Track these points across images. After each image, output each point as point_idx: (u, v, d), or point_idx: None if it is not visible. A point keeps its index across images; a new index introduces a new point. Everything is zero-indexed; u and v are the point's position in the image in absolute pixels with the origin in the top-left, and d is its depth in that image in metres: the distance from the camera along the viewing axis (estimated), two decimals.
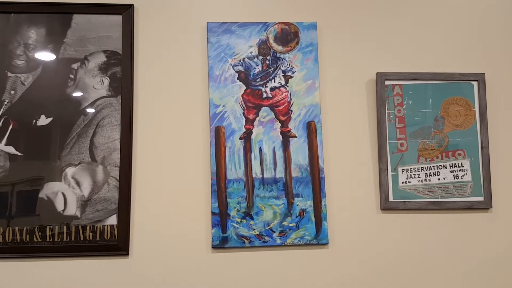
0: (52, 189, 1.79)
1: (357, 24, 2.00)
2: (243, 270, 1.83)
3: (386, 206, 1.88)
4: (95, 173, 1.81)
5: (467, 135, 1.94)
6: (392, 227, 1.89)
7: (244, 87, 1.91)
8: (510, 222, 1.93)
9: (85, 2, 1.90)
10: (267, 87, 1.92)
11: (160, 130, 1.88)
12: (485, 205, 1.90)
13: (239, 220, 1.83)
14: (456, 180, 1.91)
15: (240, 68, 1.92)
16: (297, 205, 1.85)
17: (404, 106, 1.94)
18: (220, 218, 1.82)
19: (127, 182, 1.81)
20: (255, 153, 1.88)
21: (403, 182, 1.90)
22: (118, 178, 1.81)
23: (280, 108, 1.91)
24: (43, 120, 1.83)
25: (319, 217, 1.85)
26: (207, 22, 1.93)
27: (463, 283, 1.88)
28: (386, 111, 1.93)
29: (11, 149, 1.81)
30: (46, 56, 1.88)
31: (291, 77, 1.93)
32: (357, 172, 1.91)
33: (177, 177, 1.85)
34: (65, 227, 1.78)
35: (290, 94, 1.92)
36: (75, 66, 1.87)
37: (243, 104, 1.90)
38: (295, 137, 1.89)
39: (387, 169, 1.90)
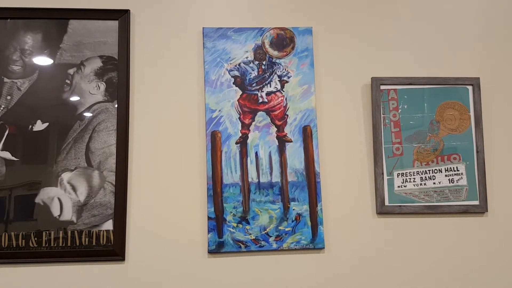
0: (48, 194, 1.79)
1: (352, 29, 2.01)
2: (239, 275, 1.83)
3: (382, 210, 1.89)
4: (91, 178, 1.82)
5: (462, 139, 1.95)
6: (388, 231, 1.90)
7: (240, 92, 1.91)
8: (506, 226, 1.93)
9: (81, 7, 1.91)
10: (263, 92, 1.92)
11: (156, 135, 1.88)
12: (481, 209, 1.91)
13: (235, 224, 1.83)
14: (451, 184, 1.92)
15: (236, 73, 1.92)
16: (293, 209, 1.86)
17: (400, 111, 1.95)
18: (216, 222, 1.82)
19: (123, 187, 1.81)
20: (251, 158, 1.88)
21: (398, 186, 1.91)
22: (114, 183, 1.81)
23: (276, 112, 1.92)
24: (39, 125, 1.83)
25: (315, 222, 1.85)
26: (203, 27, 1.94)
27: (458, 286, 1.88)
28: (382, 115, 1.94)
29: (7, 155, 1.81)
30: (42, 61, 1.88)
31: (286, 82, 1.93)
32: (352, 176, 1.92)
33: (173, 182, 1.85)
34: (61, 232, 1.78)
35: (286, 99, 1.92)
36: (71, 71, 1.88)
37: (239, 109, 1.90)
38: (291, 141, 1.90)
39: (383, 173, 1.91)
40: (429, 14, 2.05)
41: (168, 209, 1.84)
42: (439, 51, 2.02)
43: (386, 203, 1.90)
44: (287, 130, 1.90)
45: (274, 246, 1.83)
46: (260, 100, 1.92)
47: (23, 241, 1.77)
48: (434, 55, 2.02)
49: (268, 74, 1.93)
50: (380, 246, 1.89)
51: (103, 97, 1.87)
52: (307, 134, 1.90)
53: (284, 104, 1.92)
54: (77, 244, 1.78)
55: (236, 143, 1.88)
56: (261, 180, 1.87)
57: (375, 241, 1.89)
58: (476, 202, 1.91)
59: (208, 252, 1.81)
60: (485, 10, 2.07)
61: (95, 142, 1.84)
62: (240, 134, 1.89)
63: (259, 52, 1.94)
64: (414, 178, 1.92)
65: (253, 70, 1.93)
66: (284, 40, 1.96)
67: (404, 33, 2.02)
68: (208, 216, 1.83)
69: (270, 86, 1.93)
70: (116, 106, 1.86)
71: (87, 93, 1.87)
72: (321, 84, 1.96)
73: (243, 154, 1.88)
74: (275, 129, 1.90)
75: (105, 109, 1.86)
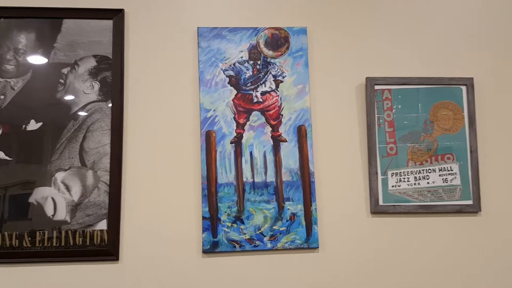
0: (41, 194, 1.79)
1: (347, 29, 2.01)
2: (234, 275, 1.83)
3: (376, 210, 1.89)
4: (85, 178, 1.81)
5: (456, 139, 1.96)
6: (382, 231, 1.90)
7: (234, 92, 1.91)
8: (499, 226, 1.94)
9: (75, 7, 1.90)
10: (257, 91, 1.92)
11: (151, 135, 1.88)
12: (474, 209, 1.92)
13: (229, 224, 1.83)
14: (445, 183, 1.93)
15: (231, 73, 1.92)
16: (288, 209, 1.86)
17: (394, 111, 1.95)
18: (211, 222, 1.82)
19: (117, 187, 1.80)
20: (245, 158, 1.88)
21: (392, 186, 1.92)
22: (108, 183, 1.81)
23: (271, 112, 1.92)
24: (33, 125, 1.83)
25: (310, 221, 1.85)
26: (197, 27, 1.94)
27: (452, 286, 1.89)
28: (376, 115, 1.94)
29: (1, 154, 1.80)
30: (36, 60, 1.87)
31: (281, 81, 1.93)
32: (347, 176, 1.92)
33: (168, 182, 1.85)
34: (55, 232, 1.77)
35: (280, 99, 1.92)
36: (65, 70, 1.87)
37: (234, 109, 1.90)
38: (286, 141, 1.90)
39: (377, 173, 1.91)
40: (423, 14, 2.05)
41: (162, 208, 1.84)
42: (433, 51, 2.03)
43: (380, 202, 1.90)
44: (281, 129, 1.91)
45: (269, 245, 1.84)
46: (255, 100, 1.92)
47: (17, 241, 1.76)
48: (428, 55, 2.02)
49: (263, 74, 1.93)
50: (374, 246, 1.89)
51: (97, 97, 1.87)
52: (301, 134, 1.91)
53: (279, 104, 1.92)
54: (71, 244, 1.78)
55: (231, 142, 1.88)
56: (256, 180, 1.87)
57: (369, 240, 1.89)
58: (470, 202, 1.92)
59: (203, 252, 1.81)
60: (479, 10, 2.08)
61: (89, 142, 1.83)
62: (235, 134, 1.89)
63: (254, 52, 1.94)
64: (408, 178, 1.92)
65: (247, 70, 1.93)
66: (279, 40, 1.96)
67: (398, 33, 2.03)
68: (202, 216, 1.83)
69: (265, 86, 1.93)
70: (110, 105, 1.86)
71: (81, 92, 1.87)
72: (316, 84, 1.96)
73: (238, 153, 1.88)
74: (270, 128, 1.90)
75: (99, 108, 1.86)
